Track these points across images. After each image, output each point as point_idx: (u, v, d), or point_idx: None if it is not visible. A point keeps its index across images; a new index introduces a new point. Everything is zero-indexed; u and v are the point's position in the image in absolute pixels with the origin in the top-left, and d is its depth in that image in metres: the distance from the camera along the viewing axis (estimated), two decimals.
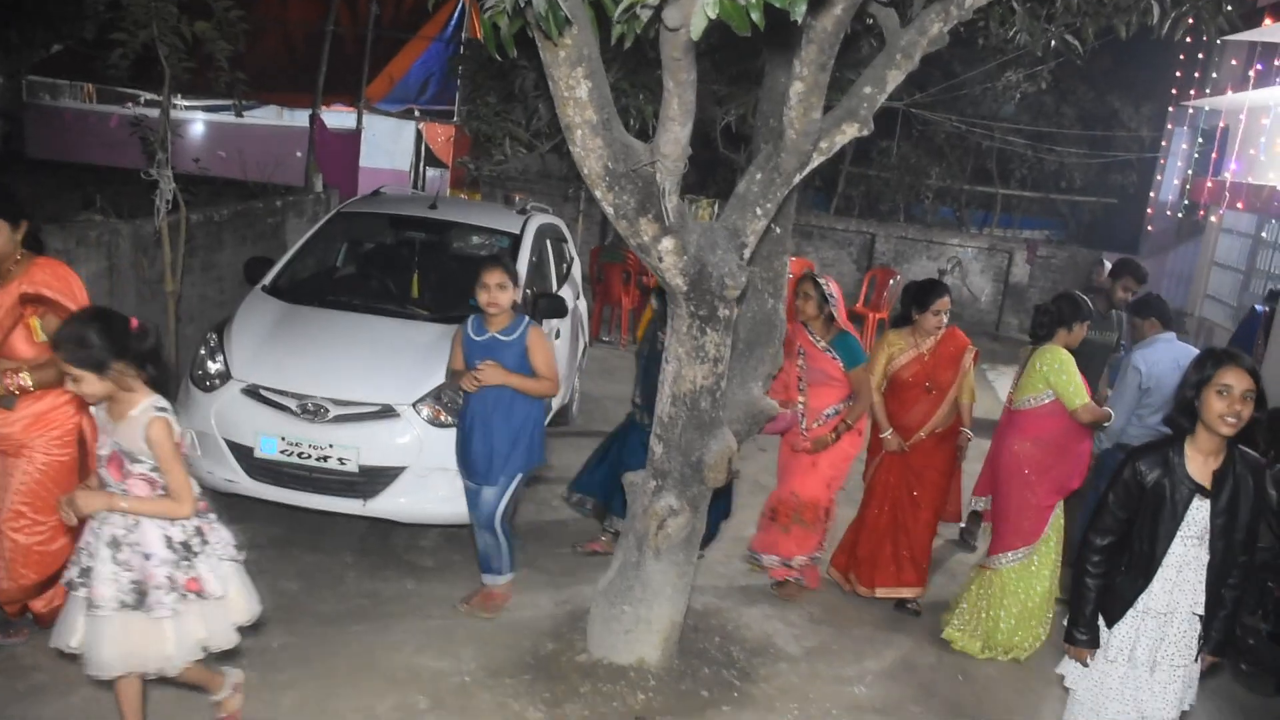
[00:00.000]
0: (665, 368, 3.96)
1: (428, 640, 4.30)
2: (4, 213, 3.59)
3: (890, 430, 5.26)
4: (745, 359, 4.34)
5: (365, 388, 5.10)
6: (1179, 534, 3.25)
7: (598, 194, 3.50)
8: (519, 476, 4.63)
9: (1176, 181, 13.49)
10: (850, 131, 3.64)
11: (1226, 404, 3.10)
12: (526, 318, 4.60)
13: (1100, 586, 3.37)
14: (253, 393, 5.11)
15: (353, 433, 5.02)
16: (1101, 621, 3.39)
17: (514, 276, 4.58)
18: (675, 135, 3.28)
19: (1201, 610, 3.31)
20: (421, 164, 14.75)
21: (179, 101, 12.01)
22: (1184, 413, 3.22)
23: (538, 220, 6.94)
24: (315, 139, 10.69)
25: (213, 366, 5.26)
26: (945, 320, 5.16)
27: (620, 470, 4.99)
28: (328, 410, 5.02)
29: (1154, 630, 3.32)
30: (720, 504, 5.20)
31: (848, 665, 4.69)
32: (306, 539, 5.29)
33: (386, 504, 5.08)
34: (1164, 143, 14.48)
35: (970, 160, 16.31)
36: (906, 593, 5.30)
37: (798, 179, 3.66)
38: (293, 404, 5.04)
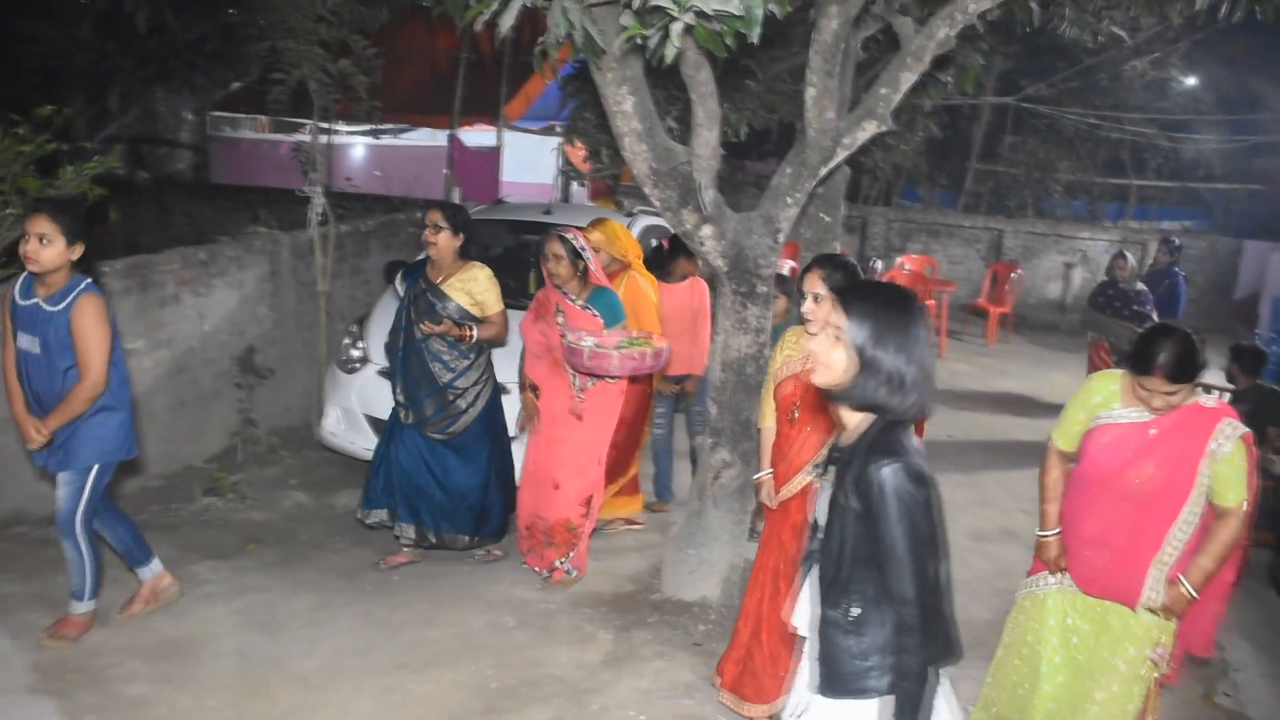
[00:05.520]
0: (715, 339, 4.56)
1: (523, 578, 5.00)
2: None
3: (768, 470, 3.79)
4: None
5: None
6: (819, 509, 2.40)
7: (646, 190, 4.14)
8: (93, 471, 3.86)
9: None
10: (870, 128, 4.15)
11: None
12: (85, 282, 3.71)
13: None
14: (387, 374, 5.98)
15: None
16: None
17: (70, 228, 3.62)
18: (705, 139, 3.89)
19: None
20: (563, 177, 15.70)
21: (341, 128, 13.32)
22: None
23: (643, 222, 7.60)
24: (455, 156, 11.73)
25: (354, 352, 6.17)
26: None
27: (398, 474, 4.85)
28: None
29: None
30: None
31: None
32: None
33: None
34: None
35: (1102, 152, 16.04)
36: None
37: (824, 171, 4.19)
38: None
